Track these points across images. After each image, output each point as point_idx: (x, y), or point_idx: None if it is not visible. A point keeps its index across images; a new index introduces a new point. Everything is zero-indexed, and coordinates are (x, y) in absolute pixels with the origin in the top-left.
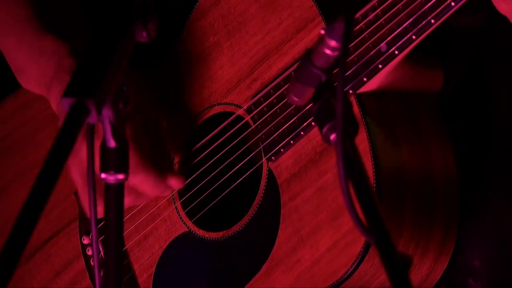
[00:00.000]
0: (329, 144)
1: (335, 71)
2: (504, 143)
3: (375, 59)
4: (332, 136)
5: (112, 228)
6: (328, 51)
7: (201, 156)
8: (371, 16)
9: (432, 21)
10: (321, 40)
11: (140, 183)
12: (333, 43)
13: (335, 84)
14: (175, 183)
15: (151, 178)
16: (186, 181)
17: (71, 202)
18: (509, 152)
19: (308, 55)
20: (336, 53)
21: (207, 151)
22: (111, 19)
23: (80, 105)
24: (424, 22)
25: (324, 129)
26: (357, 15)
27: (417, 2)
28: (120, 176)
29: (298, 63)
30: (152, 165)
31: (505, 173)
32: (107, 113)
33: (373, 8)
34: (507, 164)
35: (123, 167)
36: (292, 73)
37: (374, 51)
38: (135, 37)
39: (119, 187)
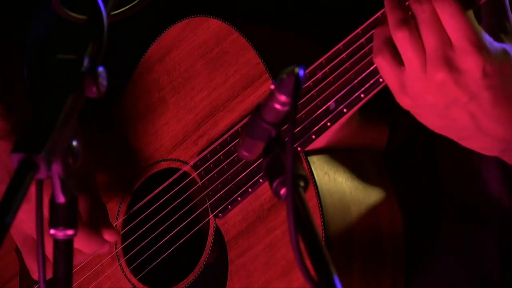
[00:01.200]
0: (280, 199)
1: (285, 125)
2: (451, 199)
3: (324, 117)
4: (283, 191)
5: (62, 285)
6: (278, 106)
7: (146, 213)
8: (319, 74)
9: (381, 79)
10: (270, 95)
11: (74, 241)
12: (283, 98)
13: (285, 139)
14: (110, 237)
15: (84, 235)
16: (131, 237)
17: (12, 258)
18: (457, 207)
19: (258, 110)
20: (286, 108)
21: (152, 208)
22: (61, 74)
23: (29, 161)
24: (372, 81)
25: (274, 184)
26: (305, 72)
27: (366, 60)
28: (69, 232)
29: (247, 118)
30: (84, 221)
31: (452, 230)
32: (57, 168)
33: (321, 66)
34: (454, 220)
35: (72, 223)
36: (239, 129)
37: (322, 109)
38: (84, 92)
39: (69, 243)
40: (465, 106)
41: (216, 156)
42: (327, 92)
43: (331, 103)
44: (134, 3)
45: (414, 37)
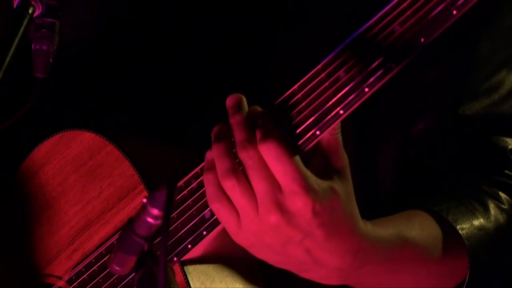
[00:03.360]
0: None
1: (158, 238)
2: None
3: (199, 226)
4: None
5: None
6: (150, 220)
7: None
8: (194, 184)
9: None
10: (143, 209)
11: None
12: (155, 211)
13: (157, 253)
14: None
15: None
16: None
17: None
18: None
19: (130, 224)
20: (158, 222)
21: None
22: None
23: None
24: None
25: None
26: (180, 182)
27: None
28: None
29: (120, 231)
30: None
31: None
32: None
33: (196, 176)
34: None
35: None
36: (115, 241)
37: (198, 218)
38: None
39: None
40: (300, 243)
41: (91, 270)
42: (202, 201)
43: (206, 211)
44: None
45: (242, 184)
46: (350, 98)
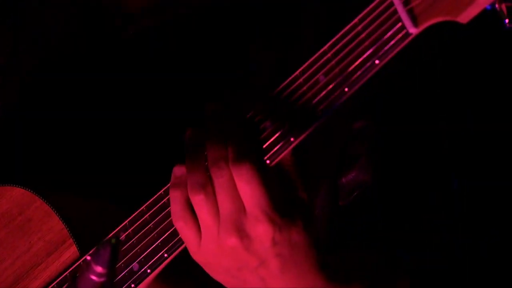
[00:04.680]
0: None
1: None
2: None
3: (128, 278)
4: None
5: None
6: (94, 277)
7: None
8: (122, 237)
9: None
10: (86, 266)
11: None
12: (99, 269)
13: None
14: None
15: None
16: None
17: None
18: None
19: (73, 282)
20: (102, 279)
21: None
22: None
23: None
24: (175, 240)
25: None
26: (109, 236)
27: (168, 220)
28: None
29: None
30: None
31: None
32: None
33: (125, 229)
34: None
35: None
36: None
37: (126, 270)
38: None
39: None
40: (255, 270)
41: None
42: (130, 254)
43: (134, 264)
44: None
45: (210, 201)
46: (276, 148)
